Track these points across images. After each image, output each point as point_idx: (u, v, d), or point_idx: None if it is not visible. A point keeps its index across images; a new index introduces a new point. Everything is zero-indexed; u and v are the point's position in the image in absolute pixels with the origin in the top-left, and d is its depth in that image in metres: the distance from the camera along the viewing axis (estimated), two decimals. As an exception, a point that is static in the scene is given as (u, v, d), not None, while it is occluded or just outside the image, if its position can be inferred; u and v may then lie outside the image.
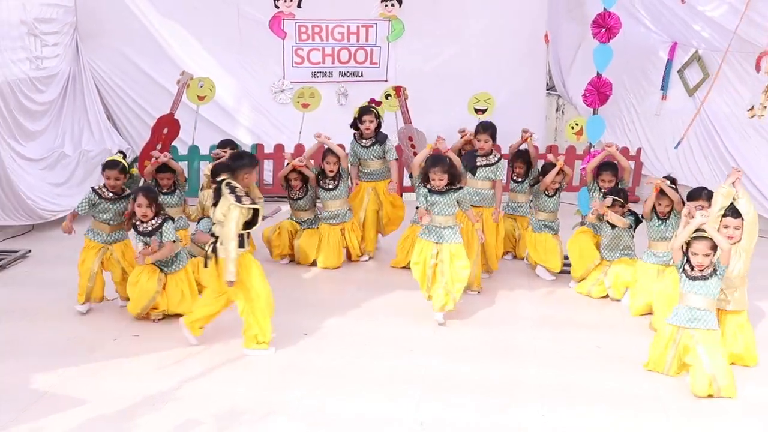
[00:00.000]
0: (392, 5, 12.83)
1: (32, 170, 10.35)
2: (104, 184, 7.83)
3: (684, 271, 6.45)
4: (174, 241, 7.54)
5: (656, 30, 12.67)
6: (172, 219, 7.80)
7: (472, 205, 8.28)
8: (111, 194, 7.75)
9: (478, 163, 8.75)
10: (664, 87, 12.74)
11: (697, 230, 6.34)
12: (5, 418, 5.83)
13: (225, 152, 8.92)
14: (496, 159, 8.76)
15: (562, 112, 15.38)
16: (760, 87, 10.88)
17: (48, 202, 10.30)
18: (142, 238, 7.53)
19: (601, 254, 8.70)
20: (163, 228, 7.49)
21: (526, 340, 7.64)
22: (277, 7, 12.41)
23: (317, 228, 9.64)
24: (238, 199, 6.68)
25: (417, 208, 8.52)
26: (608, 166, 8.86)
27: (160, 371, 6.70)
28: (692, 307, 6.37)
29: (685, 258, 6.45)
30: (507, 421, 6.08)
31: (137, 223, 7.52)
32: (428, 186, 7.83)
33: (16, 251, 9.54)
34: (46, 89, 11.08)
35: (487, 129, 8.82)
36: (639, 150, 12.95)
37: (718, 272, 6.36)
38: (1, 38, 10.00)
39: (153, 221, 7.49)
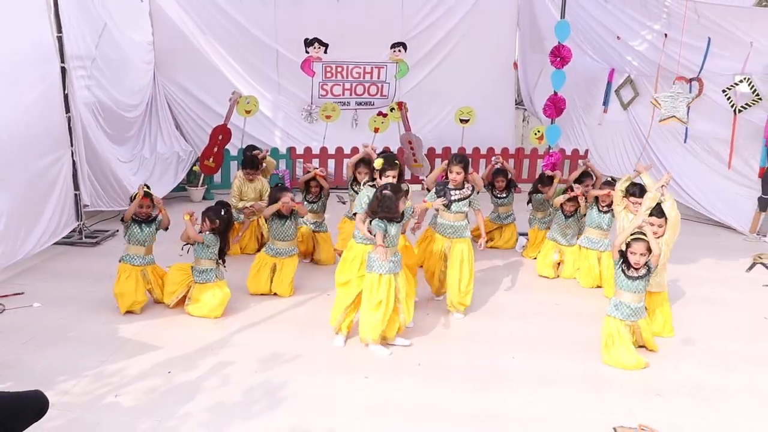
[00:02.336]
0: (399, 50, 12.78)
1: (126, 168, 10.36)
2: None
3: (623, 271, 6.01)
4: (202, 243, 6.86)
5: (598, 59, 12.66)
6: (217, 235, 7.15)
7: (445, 236, 7.02)
8: (140, 219, 6.92)
9: (453, 197, 6.92)
10: (605, 103, 12.75)
11: (636, 232, 5.96)
12: (97, 359, 5.85)
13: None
14: (469, 191, 6.95)
15: (527, 122, 15.37)
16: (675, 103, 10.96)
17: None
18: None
19: (551, 237, 8.31)
20: (209, 237, 6.91)
21: (498, 299, 7.58)
22: (308, 52, 12.37)
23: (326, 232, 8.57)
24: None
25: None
26: (586, 175, 8.42)
27: (215, 325, 6.69)
28: (630, 304, 5.99)
29: (622, 260, 6.02)
30: (485, 362, 6.07)
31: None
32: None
33: (107, 231, 9.53)
34: (134, 108, 11.08)
35: (460, 162, 6.97)
36: (587, 151, 12.94)
37: (650, 270, 5.98)
38: (106, 69, 10.08)
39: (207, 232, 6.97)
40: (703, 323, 6.98)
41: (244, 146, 11.89)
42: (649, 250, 5.88)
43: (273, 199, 7.40)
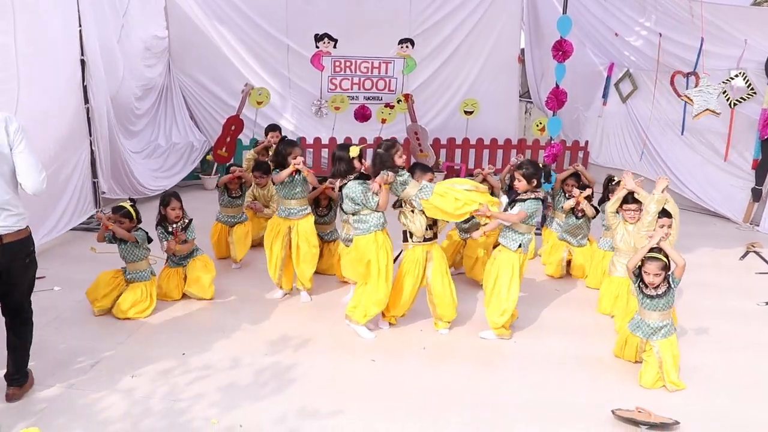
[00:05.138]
0: (407, 47, 12.67)
1: (137, 159, 10.33)
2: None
3: (640, 289, 5.45)
4: (193, 239, 6.77)
5: (598, 54, 12.62)
6: (191, 220, 6.82)
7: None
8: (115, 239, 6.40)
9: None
10: (604, 96, 12.75)
11: (651, 250, 5.39)
12: (115, 341, 5.87)
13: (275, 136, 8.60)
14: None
15: (529, 114, 15.34)
16: (672, 97, 10.87)
17: (149, 182, 10.29)
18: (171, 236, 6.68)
19: (561, 237, 7.86)
20: (189, 227, 6.70)
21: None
22: (318, 47, 12.28)
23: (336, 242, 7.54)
24: None
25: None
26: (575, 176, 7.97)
27: (227, 309, 6.70)
28: (650, 322, 5.41)
29: (639, 278, 5.46)
30: (488, 346, 6.06)
31: (168, 224, 6.67)
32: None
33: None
34: (146, 98, 11.05)
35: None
36: (587, 142, 12.88)
37: (672, 286, 5.37)
38: (122, 61, 10.01)
39: (182, 222, 6.68)
40: (698, 308, 6.96)
41: (254, 137, 11.94)
42: (663, 269, 5.33)
43: (281, 158, 6.70)
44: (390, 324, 6.35)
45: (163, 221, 6.74)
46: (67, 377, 5.25)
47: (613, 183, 7.32)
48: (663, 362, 5.37)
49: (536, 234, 8.76)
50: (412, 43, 12.55)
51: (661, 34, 10.69)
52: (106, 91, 9.22)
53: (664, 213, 6.03)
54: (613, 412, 4.92)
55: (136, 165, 10.03)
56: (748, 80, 9.84)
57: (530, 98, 14.86)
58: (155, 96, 11.37)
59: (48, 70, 7.66)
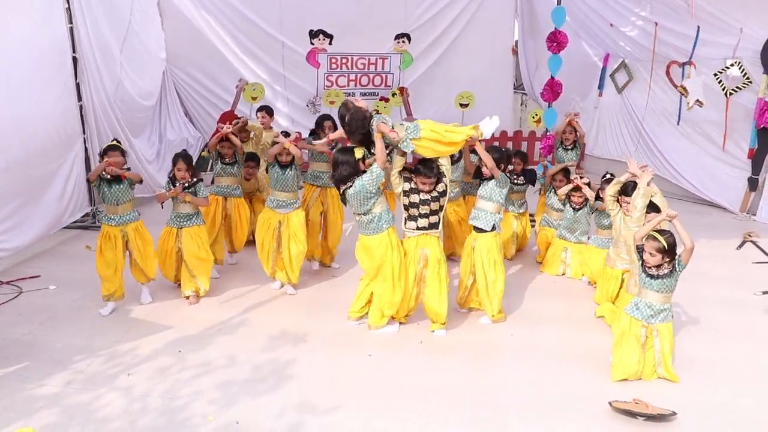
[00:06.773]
0: (403, 42, 12.57)
1: (142, 159, 10.27)
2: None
3: (642, 265, 5.37)
4: (205, 197, 6.76)
5: (594, 44, 12.58)
6: (202, 180, 6.80)
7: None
8: (109, 177, 6.33)
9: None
10: (600, 87, 12.68)
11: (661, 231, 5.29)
12: (111, 339, 5.88)
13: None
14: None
15: (525, 105, 15.29)
16: (668, 87, 10.88)
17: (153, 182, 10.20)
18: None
19: (560, 234, 7.69)
20: (198, 186, 6.61)
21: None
22: (313, 44, 12.20)
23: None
24: None
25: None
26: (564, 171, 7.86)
27: (224, 305, 6.70)
28: (651, 303, 5.33)
29: (641, 257, 5.37)
30: (485, 340, 6.08)
31: (177, 183, 6.59)
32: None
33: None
34: (150, 97, 11.00)
35: None
36: (582, 134, 12.86)
37: (677, 269, 5.27)
38: (131, 63, 9.99)
39: (187, 181, 6.57)
40: (695, 298, 6.92)
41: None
42: (660, 251, 5.21)
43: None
44: (400, 323, 6.27)
45: (172, 177, 6.73)
46: (63, 376, 5.26)
47: (607, 177, 7.10)
48: (662, 347, 5.38)
49: (532, 226, 8.84)
50: (409, 38, 12.50)
51: (657, 23, 10.66)
52: (119, 89, 9.21)
53: (654, 208, 5.95)
54: (610, 404, 4.94)
55: (146, 165, 10.02)
56: (743, 69, 9.82)
57: (525, 90, 14.84)
58: (157, 95, 11.34)
59: (32, 68, 7.58)
